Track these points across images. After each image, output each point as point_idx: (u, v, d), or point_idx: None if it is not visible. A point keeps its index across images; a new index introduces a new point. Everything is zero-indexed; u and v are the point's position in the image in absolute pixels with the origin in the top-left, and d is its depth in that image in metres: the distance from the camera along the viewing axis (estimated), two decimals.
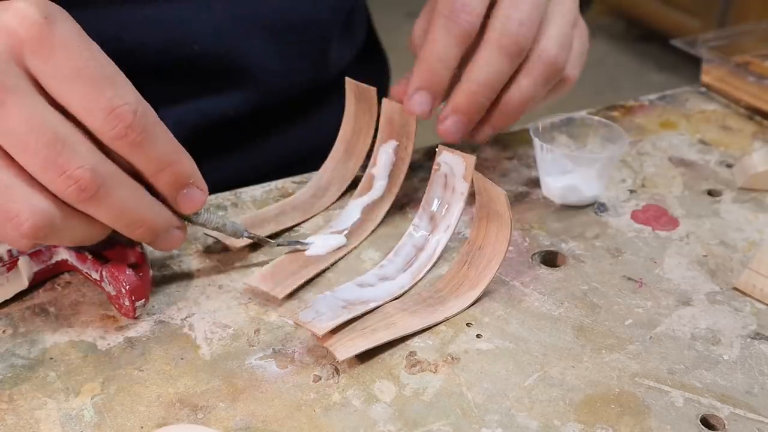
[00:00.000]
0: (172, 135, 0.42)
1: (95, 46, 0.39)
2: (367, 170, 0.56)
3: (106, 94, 0.38)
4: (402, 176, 0.56)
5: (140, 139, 0.39)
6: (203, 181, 0.44)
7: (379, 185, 0.56)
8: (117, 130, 0.38)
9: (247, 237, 0.49)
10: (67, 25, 0.39)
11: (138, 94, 0.40)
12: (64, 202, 0.39)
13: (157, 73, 0.62)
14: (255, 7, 0.63)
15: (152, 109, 0.40)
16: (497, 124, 0.55)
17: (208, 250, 0.52)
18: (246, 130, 0.68)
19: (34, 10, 0.38)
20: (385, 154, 0.56)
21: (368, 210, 0.55)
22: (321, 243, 0.52)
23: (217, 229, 0.48)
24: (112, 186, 0.39)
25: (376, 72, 0.82)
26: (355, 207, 0.55)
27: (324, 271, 0.51)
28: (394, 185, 0.56)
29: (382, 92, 0.81)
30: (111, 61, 0.40)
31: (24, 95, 0.37)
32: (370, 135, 0.57)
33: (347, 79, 0.56)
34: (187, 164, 0.43)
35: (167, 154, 0.41)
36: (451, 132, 0.53)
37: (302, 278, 0.49)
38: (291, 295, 0.48)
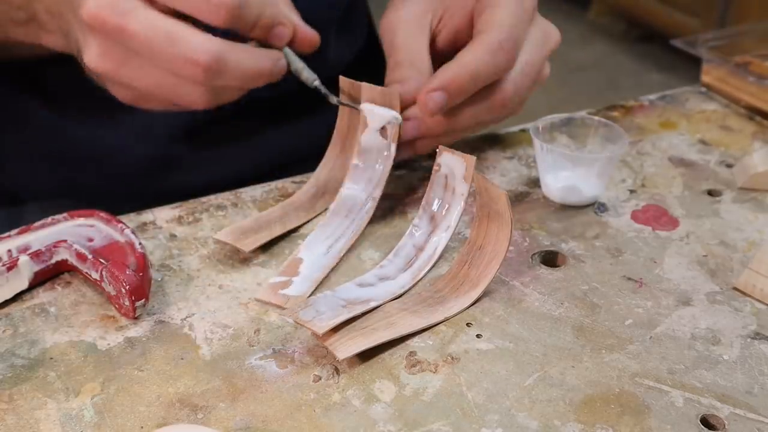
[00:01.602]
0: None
1: None
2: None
3: None
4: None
5: (237, 13, 0.47)
6: (283, 16, 0.51)
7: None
8: (221, 16, 0.46)
9: (317, 86, 0.53)
10: None
11: None
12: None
13: None
14: None
15: None
16: (443, 139, 0.57)
17: (208, 251, 0.52)
18: (243, 127, 0.68)
19: None
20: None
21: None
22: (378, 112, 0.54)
23: (296, 70, 0.53)
24: (229, 57, 0.47)
25: (377, 73, 0.81)
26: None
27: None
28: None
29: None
30: None
31: (138, 12, 0.45)
32: None
33: (341, 78, 0.56)
34: (271, 12, 0.50)
35: (257, 15, 0.49)
36: (435, 105, 0.54)
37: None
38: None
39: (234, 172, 0.63)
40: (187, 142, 0.66)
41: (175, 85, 0.47)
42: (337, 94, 0.56)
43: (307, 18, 0.67)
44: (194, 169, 0.66)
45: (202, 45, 0.46)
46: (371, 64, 0.79)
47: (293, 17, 0.52)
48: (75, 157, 0.64)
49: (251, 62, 0.49)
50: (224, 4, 0.46)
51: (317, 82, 0.53)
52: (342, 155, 0.58)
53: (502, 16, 0.55)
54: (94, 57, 0.47)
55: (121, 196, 0.58)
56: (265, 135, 0.70)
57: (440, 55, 0.58)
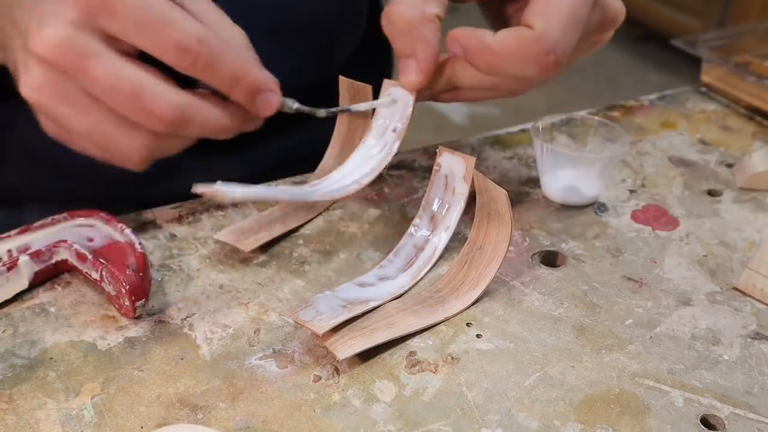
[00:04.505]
0: (240, 50, 0.46)
1: None
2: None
3: (171, 33, 0.42)
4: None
5: (209, 61, 0.43)
6: (273, 81, 0.47)
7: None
8: (188, 61, 0.43)
9: (297, 109, 0.50)
10: None
11: (196, 22, 0.43)
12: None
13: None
14: (258, 7, 0.63)
15: (214, 32, 0.44)
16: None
17: (208, 251, 0.52)
18: (242, 135, 0.68)
19: None
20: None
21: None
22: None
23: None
24: (195, 112, 0.44)
25: (379, 64, 0.80)
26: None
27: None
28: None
29: (387, 77, 0.80)
30: (166, 0, 0.43)
31: (102, 57, 0.42)
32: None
33: (341, 78, 0.56)
34: (257, 73, 0.46)
35: (236, 71, 0.45)
36: (456, 49, 0.50)
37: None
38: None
39: (234, 176, 0.63)
40: (187, 150, 0.65)
41: (114, 135, 0.44)
42: (335, 97, 0.55)
43: (317, 23, 0.67)
44: (194, 176, 0.66)
45: (168, 99, 0.43)
46: (373, 56, 0.79)
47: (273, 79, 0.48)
48: (73, 165, 0.64)
49: (219, 119, 0.46)
50: (191, 49, 0.43)
51: (296, 105, 0.50)
52: (342, 155, 0.58)
53: (559, 8, 0.48)
54: (33, 86, 0.43)
55: (121, 204, 0.57)
56: (266, 140, 0.70)
57: None
